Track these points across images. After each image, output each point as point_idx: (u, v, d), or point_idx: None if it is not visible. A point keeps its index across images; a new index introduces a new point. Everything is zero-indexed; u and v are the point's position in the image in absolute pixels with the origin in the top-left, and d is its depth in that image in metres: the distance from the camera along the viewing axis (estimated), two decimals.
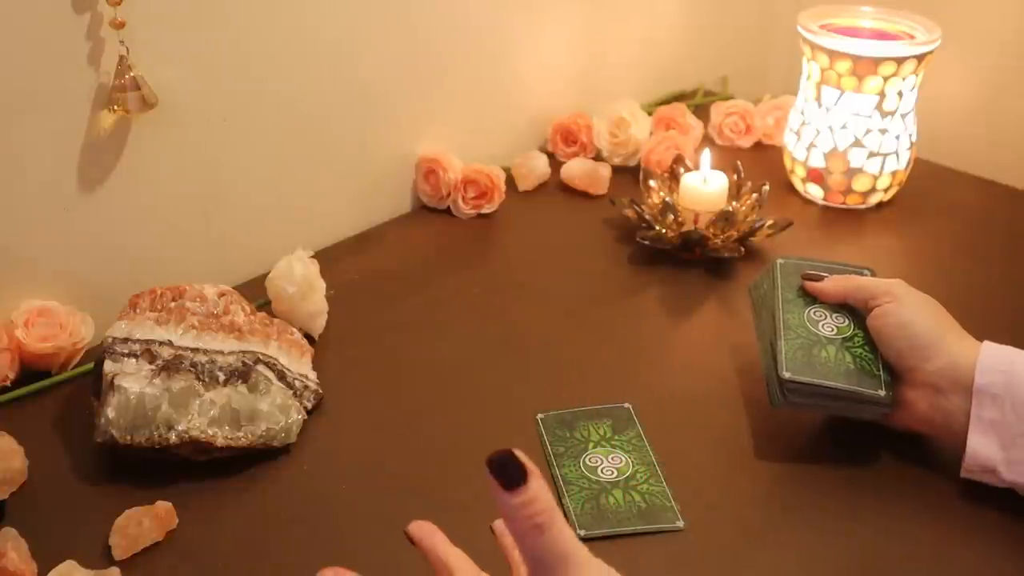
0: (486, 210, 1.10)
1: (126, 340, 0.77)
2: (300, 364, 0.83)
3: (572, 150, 1.22)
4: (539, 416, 0.80)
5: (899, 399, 0.74)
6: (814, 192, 1.14)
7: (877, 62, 1.04)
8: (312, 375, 0.83)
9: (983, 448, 0.70)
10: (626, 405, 0.82)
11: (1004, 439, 0.69)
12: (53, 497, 0.73)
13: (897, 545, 0.69)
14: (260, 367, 0.78)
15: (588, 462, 0.76)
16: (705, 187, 1.04)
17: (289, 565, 0.68)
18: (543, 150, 1.22)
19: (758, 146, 1.28)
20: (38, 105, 0.80)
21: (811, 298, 0.81)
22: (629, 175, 1.18)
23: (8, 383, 0.82)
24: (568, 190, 1.17)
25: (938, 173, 1.22)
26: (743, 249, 1.01)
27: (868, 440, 0.78)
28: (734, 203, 1.05)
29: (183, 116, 0.89)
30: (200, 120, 0.91)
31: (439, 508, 0.72)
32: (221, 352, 0.78)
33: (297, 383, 0.80)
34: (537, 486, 0.42)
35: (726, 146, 1.27)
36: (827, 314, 0.79)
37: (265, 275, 0.91)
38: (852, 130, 1.08)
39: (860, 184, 1.11)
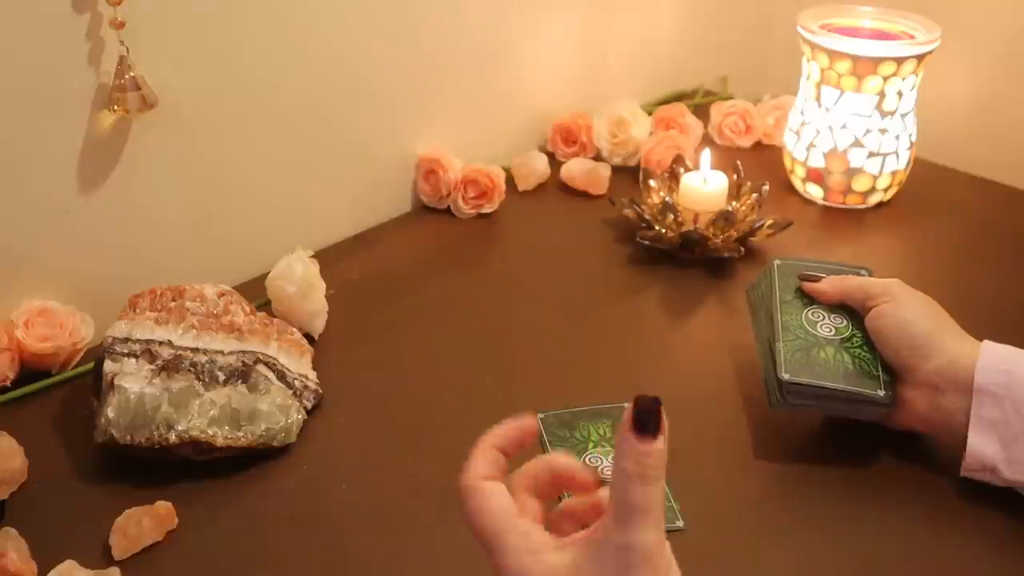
0: (486, 210, 1.10)
1: (126, 340, 0.77)
2: (300, 364, 0.83)
3: (572, 150, 1.22)
4: (539, 416, 0.80)
5: (898, 399, 0.74)
6: (814, 192, 1.14)
7: (877, 62, 1.04)
8: (312, 375, 0.83)
9: (983, 447, 0.70)
10: (626, 405, 0.81)
11: (1004, 438, 0.69)
12: (53, 497, 0.73)
13: (897, 544, 0.69)
14: (260, 367, 0.78)
15: (588, 462, 0.76)
16: (705, 187, 1.04)
17: (289, 565, 0.68)
18: (543, 150, 1.22)
19: (758, 146, 1.28)
20: (38, 105, 0.80)
21: (809, 299, 0.81)
22: (629, 175, 1.18)
23: (8, 383, 0.82)
24: (568, 190, 1.17)
25: (938, 173, 1.22)
26: (743, 249, 1.01)
27: (867, 440, 0.78)
28: (734, 203, 1.05)
29: (183, 116, 0.89)
30: (200, 120, 0.91)
31: (439, 508, 0.72)
32: (221, 352, 0.78)
33: (297, 383, 0.80)
34: (663, 445, 0.45)
35: (726, 146, 1.28)
36: (825, 315, 0.79)
37: (265, 275, 0.91)
38: (852, 130, 1.09)
39: (860, 184, 1.11)
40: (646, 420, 0.45)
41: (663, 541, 0.46)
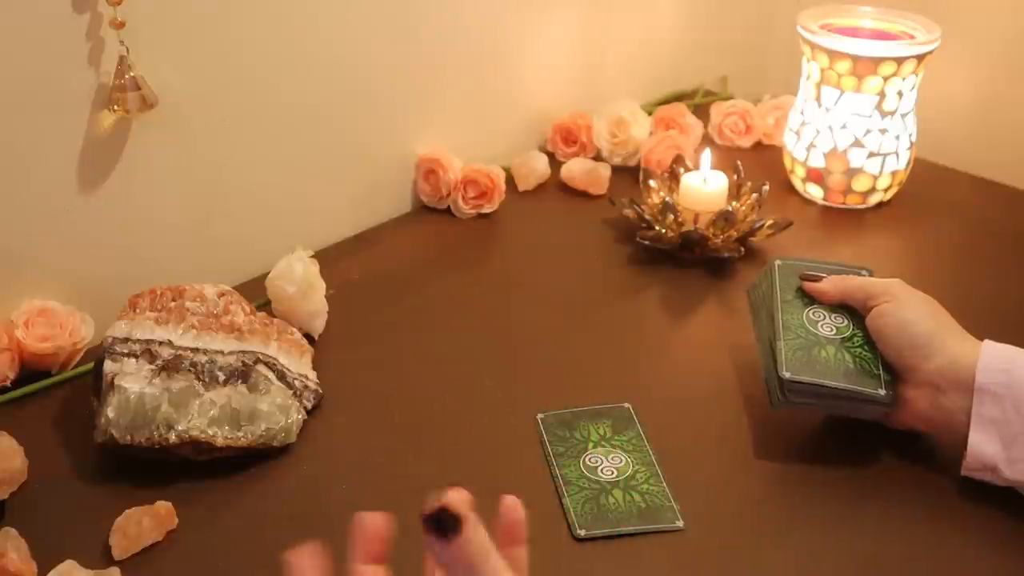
0: (486, 210, 1.10)
1: (126, 340, 0.77)
2: (300, 364, 0.83)
3: (572, 150, 1.22)
4: (539, 416, 0.80)
5: (899, 398, 0.74)
6: (814, 192, 1.14)
7: (877, 62, 1.04)
8: (312, 375, 0.83)
9: (984, 446, 0.70)
10: (626, 405, 0.82)
11: (1005, 437, 0.69)
12: (53, 497, 0.73)
13: (897, 545, 0.69)
14: (260, 367, 0.78)
15: (588, 462, 0.76)
16: (705, 187, 1.04)
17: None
18: (543, 150, 1.22)
19: (758, 146, 1.28)
20: (38, 105, 0.80)
21: (810, 299, 0.81)
22: (629, 175, 1.18)
23: (8, 383, 0.82)
24: (568, 190, 1.17)
25: (938, 173, 1.22)
26: (743, 249, 1.01)
27: (868, 440, 0.78)
28: (734, 203, 1.05)
29: (183, 116, 0.89)
30: (200, 120, 0.91)
31: None
32: (221, 352, 0.78)
33: (297, 383, 0.80)
34: (471, 531, 0.42)
35: (726, 146, 1.27)
36: (826, 314, 0.79)
37: (265, 275, 0.91)
38: (852, 130, 1.08)
39: (860, 184, 1.11)
40: (441, 523, 0.42)
41: None
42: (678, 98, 1.36)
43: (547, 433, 0.79)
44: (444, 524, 0.42)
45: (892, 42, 1.05)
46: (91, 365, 0.81)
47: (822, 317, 0.79)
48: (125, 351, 0.76)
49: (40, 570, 0.65)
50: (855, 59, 1.04)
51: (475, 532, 0.42)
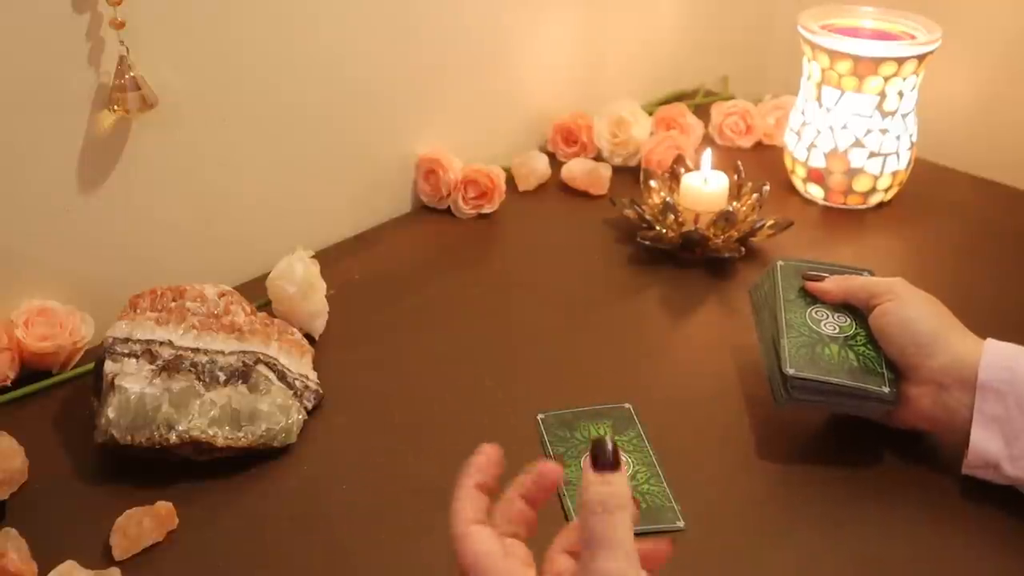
0: (486, 210, 1.10)
1: (126, 340, 0.77)
2: (300, 364, 0.83)
3: (572, 150, 1.22)
4: (539, 416, 0.80)
5: (902, 396, 0.74)
6: (815, 192, 1.14)
7: (878, 62, 1.04)
8: (312, 375, 0.83)
9: (986, 443, 0.70)
10: (626, 405, 0.81)
11: (1007, 434, 0.69)
12: (53, 497, 0.73)
13: (898, 545, 0.69)
14: (260, 367, 0.78)
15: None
16: (706, 187, 1.04)
17: (289, 565, 0.68)
18: (543, 150, 1.22)
19: (759, 146, 1.28)
20: (38, 105, 0.80)
21: (812, 298, 0.81)
22: (630, 175, 1.18)
23: (8, 383, 0.82)
24: (568, 190, 1.17)
25: (938, 173, 1.22)
26: (743, 249, 1.01)
27: (870, 440, 0.78)
28: (735, 203, 1.05)
29: (183, 116, 0.89)
30: (200, 120, 0.91)
31: (439, 509, 0.72)
32: (221, 352, 0.78)
33: (297, 383, 0.80)
34: (622, 478, 0.47)
35: (727, 146, 1.27)
36: (829, 314, 0.79)
37: (265, 275, 0.91)
38: (853, 130, 1.08)
39: (861, 184, 1.11)
40: (601, 455, 0.47)
41: (632, 570, 0.46)
42: (679, 98, 1.36)
43: (547, 433, 0.79)
44: (602, 456, 0.47)
45: (893, 42, 1.05)
46: (91, 365, 0.81)
47: (825, 316, 0.79)
48: (126, 351, 0.76)
49: (40, 570, 0.65)
50: (856, 59, 1.04)
51: (625, 481, 0.47)
